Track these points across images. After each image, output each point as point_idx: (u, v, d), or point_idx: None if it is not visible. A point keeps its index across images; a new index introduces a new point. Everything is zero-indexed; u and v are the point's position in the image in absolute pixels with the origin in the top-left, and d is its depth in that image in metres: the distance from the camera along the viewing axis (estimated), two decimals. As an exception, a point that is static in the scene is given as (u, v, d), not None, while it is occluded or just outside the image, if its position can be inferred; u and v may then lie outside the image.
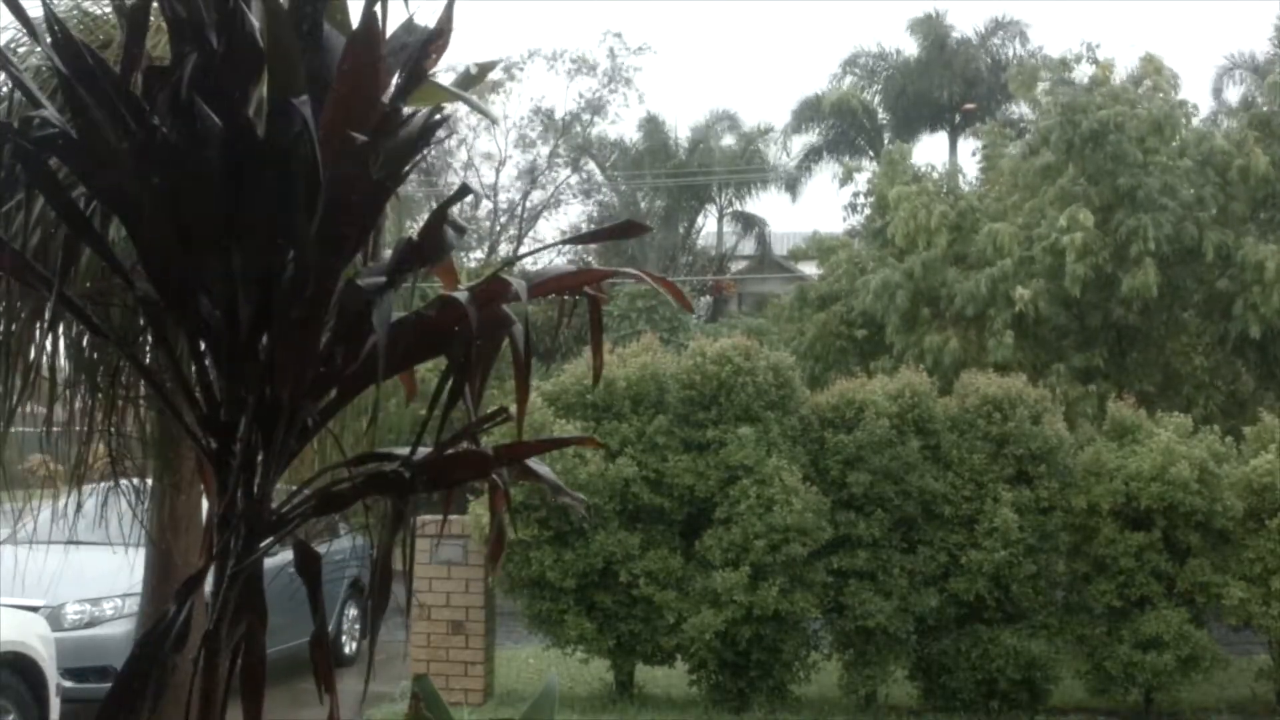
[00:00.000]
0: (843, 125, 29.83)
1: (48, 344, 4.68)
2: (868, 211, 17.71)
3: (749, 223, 31.57)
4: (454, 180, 27.13)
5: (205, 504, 2.53)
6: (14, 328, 4.56)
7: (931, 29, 29.47)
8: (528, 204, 28.97)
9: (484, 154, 28.67)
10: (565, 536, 9.32)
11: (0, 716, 6.89)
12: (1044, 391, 10.32)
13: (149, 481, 5.58)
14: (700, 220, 31.68)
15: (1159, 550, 9.36)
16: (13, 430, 4.57)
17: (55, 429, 4.90)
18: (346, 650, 11.86)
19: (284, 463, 2.31)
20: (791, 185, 30.99)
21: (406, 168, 2.37)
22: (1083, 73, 14.93)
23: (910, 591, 9.39)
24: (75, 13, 4.98)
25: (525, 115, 29.18)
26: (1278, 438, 9.74)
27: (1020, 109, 24.31)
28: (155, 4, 2.29)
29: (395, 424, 10.72)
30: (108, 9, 4.93)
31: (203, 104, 2.12)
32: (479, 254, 26.81)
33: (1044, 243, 12.97)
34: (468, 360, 2.25)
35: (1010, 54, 28.73)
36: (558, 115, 28.80)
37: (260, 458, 2.27)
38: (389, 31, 2.28)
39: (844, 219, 23.91)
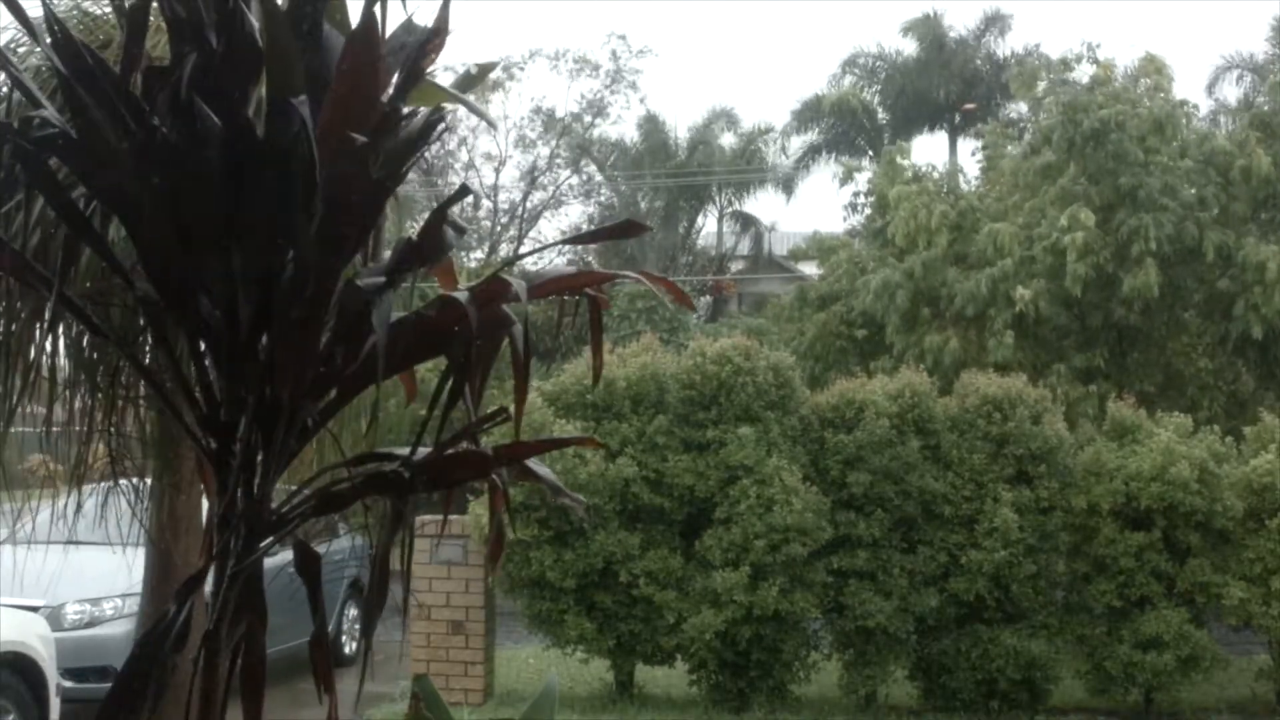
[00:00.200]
0: (842, 125, 29.85)
1: (48, 344, 4.68)
2: (868, 211, 17.71)
3: (748, 223, 31.57)
4: (454, 180, 27.14)
5: (205, 504, 2.53)
6: (14, 328, 4.56)
7: (929, 29, 29.49)
8: (528, 204, 28.99)
9: (484, 154, 28.70)
10: (565, 536, 9.32)
11: (0, 716, 6.89)
12: (1044, 391, 10.32)
13: (149, 481, 5.58)
14: (700, 220, 31.70)
15: (1159, 550, 9.36)
16: (13, 430, 4.57)
17: (55, 429, 4.90)
18: (346, 650, 11.85)
19: (284, 463, 2.31)
20: (789, 185, 31.00)
21: (406, 167, 2.37)
22: (1083, 72, 14.95)
23: (910, 591, 9.39)
24: (75, 13, 4.98)
25: (526, 115, 29.19)
26: (1278, 438, 9.73)
27: (1020, 108, 24.30)
28: (155, 4, 2.29)
29: (395, 424, 10.73)
30: (108, 9, 4.93)
31: (202, 104, 2.12)
32: (479, 254, 26.82)
33: (1044, 242, 12.97)
34: (468, 360, 2.25)
35: (1003, 50, 28.82)
36: (559, 115, 28.82)
37: (260, 458, 2.27)
38: (388, 31, 2.28)
39: (844, 219, 23.91)
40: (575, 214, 30.61)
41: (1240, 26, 63.06)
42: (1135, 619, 9.35)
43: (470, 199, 25.15)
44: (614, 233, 2.92)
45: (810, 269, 23.01)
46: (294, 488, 2.46)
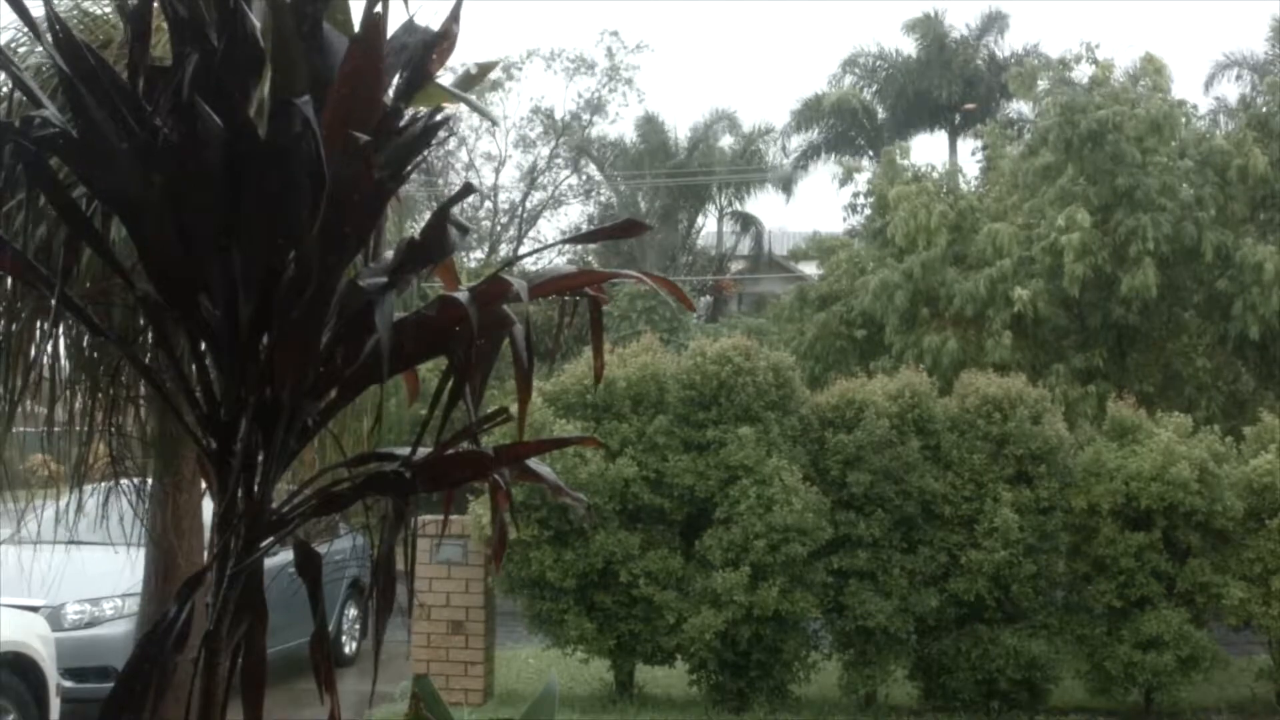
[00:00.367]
0: (842, 125, 29.83)
1: (49, 344, 4.68)
2: (868, 211, 17.71)
3: (748, 223, 31.57)
4: (455, 180, 27.15)
5: (206, 504, 2.53)
6: (15, 328, 4.56)
7: (929, 29, 29.48)
8: (528, 204, 29.00)
9: (484, 154, 28.74)
10: (565, 536, 9.32)
11: (0, 716, 6.88)
12: (1044, 392, 10.33)
13: (149, 481, 5.59)
14: (700, 220, 31.70)
15: (1159, 550, 9.37)
16: (13, 430, 4.57)
17: (56, 429, 4.90)
18: (346, 650, 11.85)
19: (284, 463, 2.31)
20: (787, 185, 30.98)
21: (408, 168, 2.37)
22: (1082, 73, 14.96)
23: (910, 591, 9.39)
24: (76, 13, 4.99)
25: (525, 115, 29.23)
26: (1278, 438, 9.74)
27: (1019, 108, 24.33)
28: (156, 4, 2.29)
29: (395, 424, 10.73)
30: (108, 9, 4.94)
31: (204, 104, 2.12)
32: (479, 254, 26.83)
33: (1043, 243, 12.98)
34: (468, 360, 2.25)
35: (1003, 50, 28.80)
36: (557, 115, 28.84)
37: (260, 458, 2.27)
38: (389, 32, 2.28)
39: (844, 219, 23.93)
40: (575, 214, 30.66)
41: (1240, 26, 63.09)
42: (1135, 619, 9.35)
43: (471, 198, 25.17)
44: (614, 232, 2.91)
45: (810, 269, 23.03)
46: (294, 488, 2.46)
